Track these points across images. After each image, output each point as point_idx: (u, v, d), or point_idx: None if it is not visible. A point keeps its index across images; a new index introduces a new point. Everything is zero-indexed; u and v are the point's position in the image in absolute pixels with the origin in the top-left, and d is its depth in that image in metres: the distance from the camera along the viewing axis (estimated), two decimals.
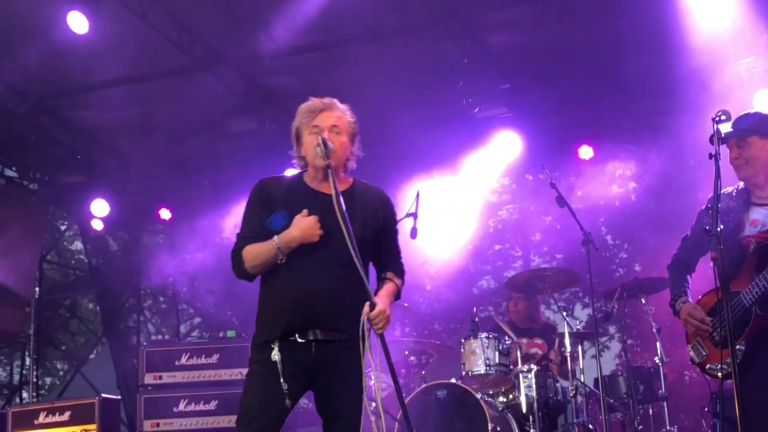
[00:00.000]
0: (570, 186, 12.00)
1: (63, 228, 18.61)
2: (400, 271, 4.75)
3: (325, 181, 4.52)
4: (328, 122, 4.55)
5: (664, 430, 7.88)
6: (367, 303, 4.32)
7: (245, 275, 4.57)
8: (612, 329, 17.40)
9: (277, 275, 4.48)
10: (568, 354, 7.84)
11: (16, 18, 9.13)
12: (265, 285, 4.58)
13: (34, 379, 13.84)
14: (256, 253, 4.48)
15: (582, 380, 7.88)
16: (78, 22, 8.85)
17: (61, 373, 23.02)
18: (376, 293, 4.49)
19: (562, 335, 7.92)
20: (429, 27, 9.70)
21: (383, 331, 4.33)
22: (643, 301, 8.14)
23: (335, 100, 4.66)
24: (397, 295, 4.66)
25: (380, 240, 4.65)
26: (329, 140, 4.47)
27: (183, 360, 9.83)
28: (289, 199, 4.54)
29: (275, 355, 4.36)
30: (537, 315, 9.29)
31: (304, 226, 4.37)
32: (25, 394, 14.48)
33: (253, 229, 4.55)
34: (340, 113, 4.62)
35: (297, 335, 4.40)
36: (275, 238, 4.40)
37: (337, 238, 4.33)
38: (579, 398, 7.79)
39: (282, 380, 4.31)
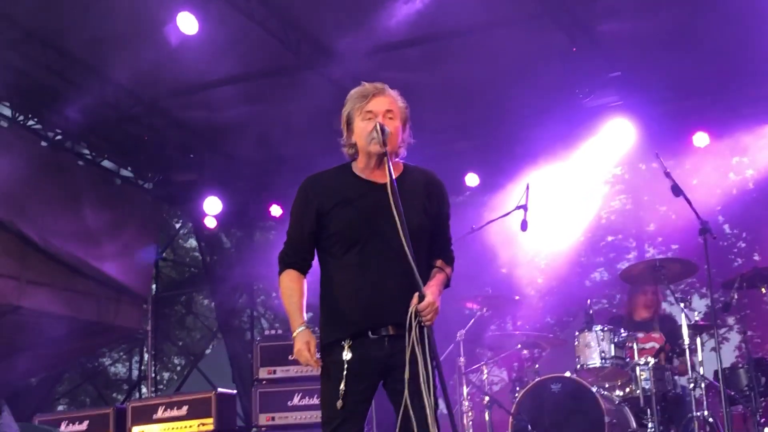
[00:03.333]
0: (685, 174, 11.66)
1: (178, 226, 18.98)
2: (450, 260, 4.52)
3: (377, 168, 4.33)
4: (382, 107, 4.32)
5: None
6: (416, 294, 4.14)
7: None
8: (731, 320, 16.94)
9: (341, 271, 4.32)
10: (686, 346, 7.64)
11: (127, 21, 9.31)
12: (327, 281, 4.37)
13: (153, 375, 14.17)
14: (285, 301, 4.36)
15: (701, 373, 7.68)
16: (188, 23, 9.00)
17: (178, 368, 23.50)
18: (425, 283, 4.25)
19: (680, 327, 7.72)
20: (536, 17, 9.57)
21: (431, 323, 4.15)
22: (764, 291, 7.89)
23: (386, 86, 4.43)
24: (446, 284, 4.45)
25: (433, 226, 4.43)
26: (384, 125, 4.26)
27: None
28: (340, 192, 4.34)
29: (347, 354, 4.20)
30: (657, 307, 9.04)
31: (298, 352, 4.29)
32: (143, 389, 14.88)
33: (298, 233, 4.41)
34: (393, 98, 4.38)
35: (370, 332, 4.25)
36: (298, 328, 4.29)
37: (396, 228, 4.12)
38: (698, 391, 7.59)
39: (342, 383, 4.17)
